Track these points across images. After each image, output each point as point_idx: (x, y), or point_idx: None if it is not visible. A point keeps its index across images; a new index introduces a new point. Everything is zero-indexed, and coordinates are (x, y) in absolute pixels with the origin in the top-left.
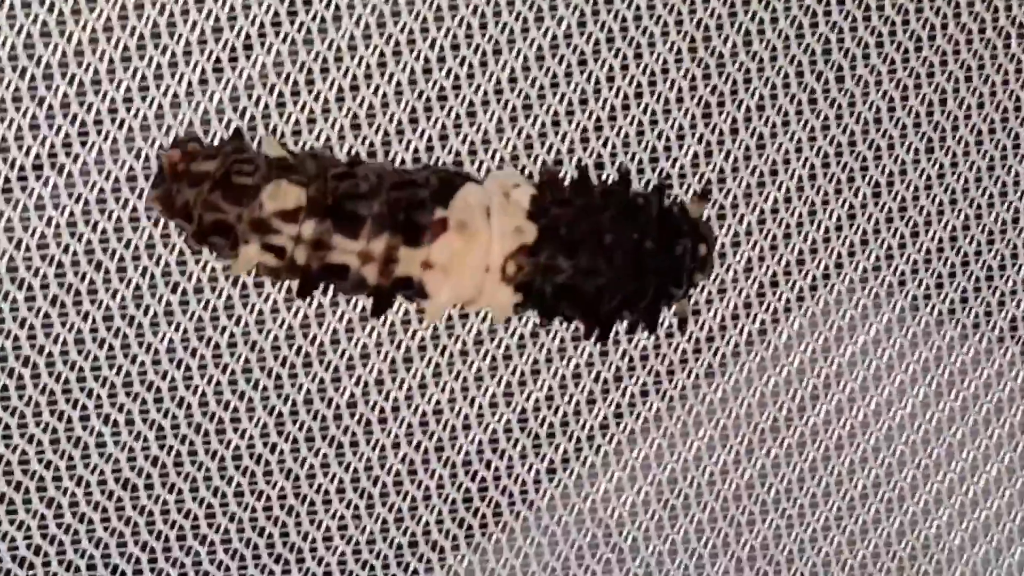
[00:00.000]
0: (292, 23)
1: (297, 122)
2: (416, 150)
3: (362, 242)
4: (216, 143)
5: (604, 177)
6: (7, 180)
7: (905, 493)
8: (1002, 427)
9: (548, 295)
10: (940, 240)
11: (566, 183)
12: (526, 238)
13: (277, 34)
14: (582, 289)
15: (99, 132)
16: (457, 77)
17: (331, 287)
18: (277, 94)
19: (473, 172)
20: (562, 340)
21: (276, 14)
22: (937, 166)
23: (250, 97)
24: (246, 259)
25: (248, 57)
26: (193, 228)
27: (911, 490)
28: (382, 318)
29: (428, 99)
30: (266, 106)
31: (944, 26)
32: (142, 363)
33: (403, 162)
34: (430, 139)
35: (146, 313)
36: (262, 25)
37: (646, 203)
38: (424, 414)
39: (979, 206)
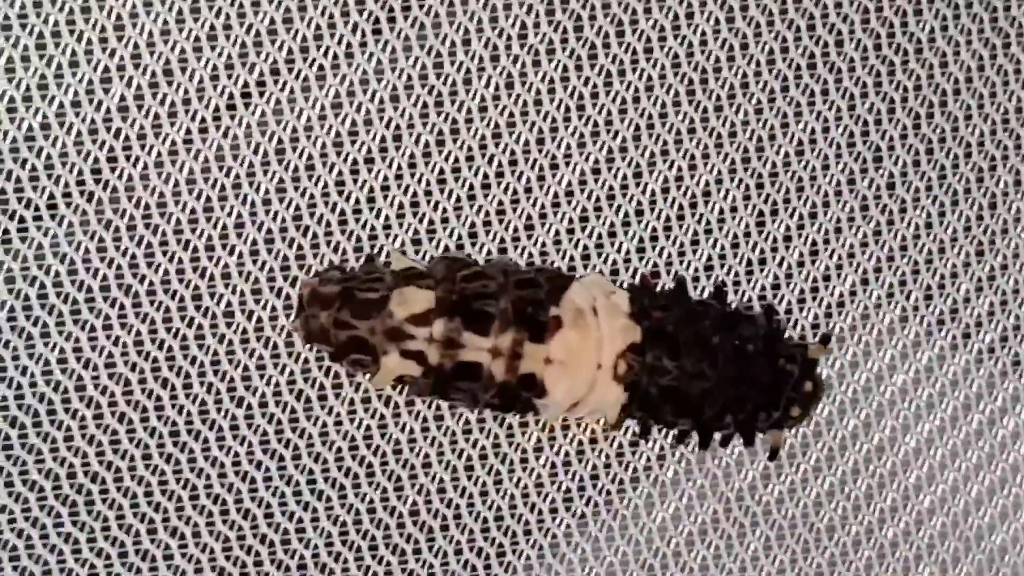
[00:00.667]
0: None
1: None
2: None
3: (492, 338)
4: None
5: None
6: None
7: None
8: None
9: (654, 395)
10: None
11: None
12: (634, 337)
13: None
14: (687, 391)
15: (97, 181)
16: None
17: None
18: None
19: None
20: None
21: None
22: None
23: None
24: (387, 369)
25: (247, 106)
26: (332, 349)
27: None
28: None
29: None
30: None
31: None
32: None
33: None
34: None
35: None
36: (261, 73)
37: (748, 317)
38: (455, 469)
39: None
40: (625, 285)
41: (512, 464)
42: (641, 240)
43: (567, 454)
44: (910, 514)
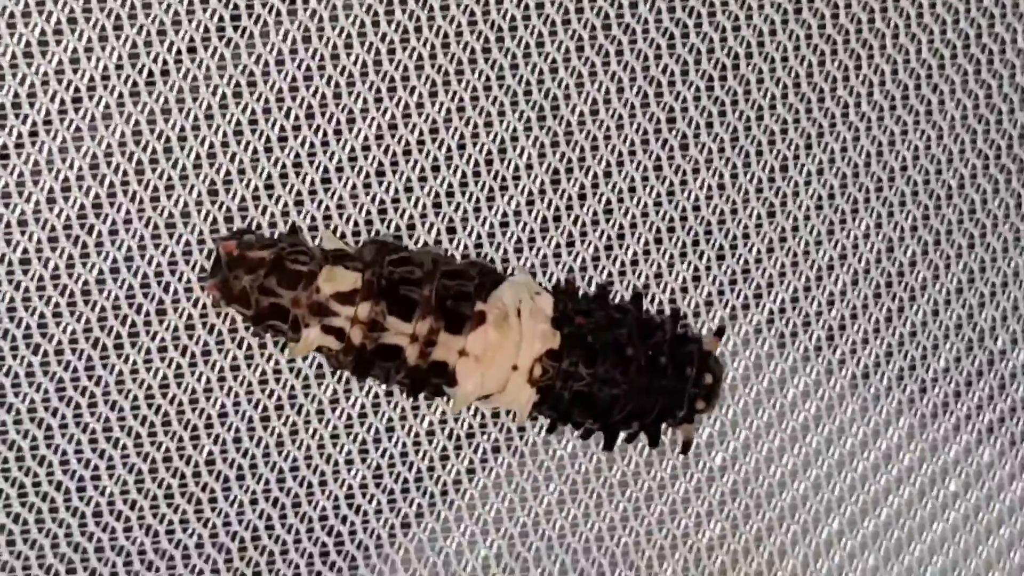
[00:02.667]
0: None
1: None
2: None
3: (413, 324)
4: (271, 236)
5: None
6: None
7: (750, 545)
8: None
9: (565, 400)
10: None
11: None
12: (553, 343)
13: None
14: (597, 397)
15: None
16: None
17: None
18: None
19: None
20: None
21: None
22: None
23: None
24: (307, 342)
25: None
26: (251, 312)
27: (755, 542)
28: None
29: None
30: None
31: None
32: (2, 422)
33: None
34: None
35: (7, 374)
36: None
37: (661, 324)
38: (281, 471)
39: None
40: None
41: (337, 465)
42: (558, 245)
43: (391, 456)
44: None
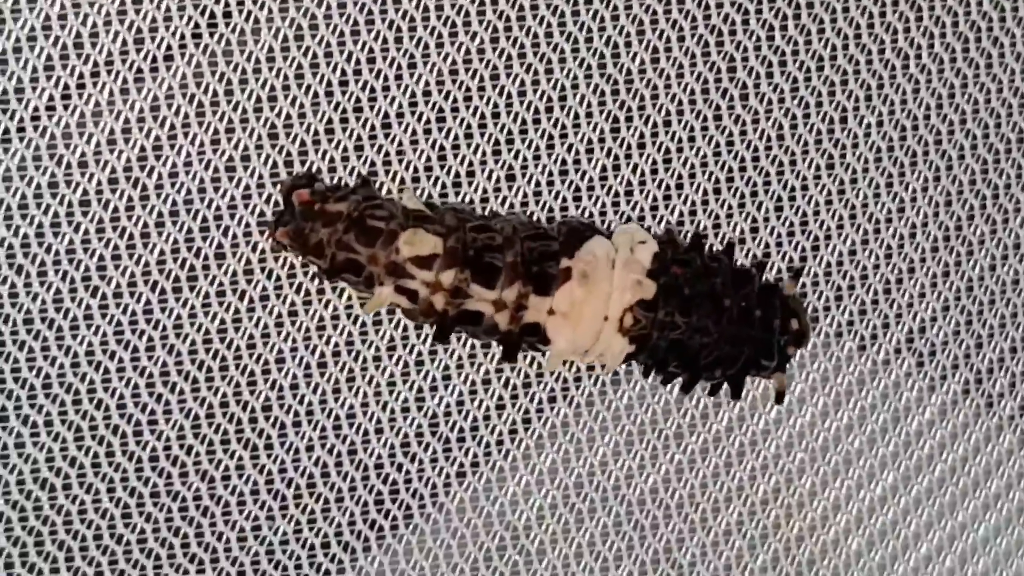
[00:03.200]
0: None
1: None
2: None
3: (497, 291)
4: (343, 186)
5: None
6: None
7: (804, 499)
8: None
9: (661, 349)
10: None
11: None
12: (645, 293)
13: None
14: (688, 345)
15: (21, 140)
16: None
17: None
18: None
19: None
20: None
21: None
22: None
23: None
24: (380, 299)
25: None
26: (325, 265)
27: (809, 496)
28: (302, 320)
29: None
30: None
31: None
32: (61, 365)
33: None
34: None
35: (65, 316)
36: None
37: (751, 274)
38: (338, 418)
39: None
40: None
41: (393, 413)
42: (617, 194)
43: (447, 404)
44: (793, 495)
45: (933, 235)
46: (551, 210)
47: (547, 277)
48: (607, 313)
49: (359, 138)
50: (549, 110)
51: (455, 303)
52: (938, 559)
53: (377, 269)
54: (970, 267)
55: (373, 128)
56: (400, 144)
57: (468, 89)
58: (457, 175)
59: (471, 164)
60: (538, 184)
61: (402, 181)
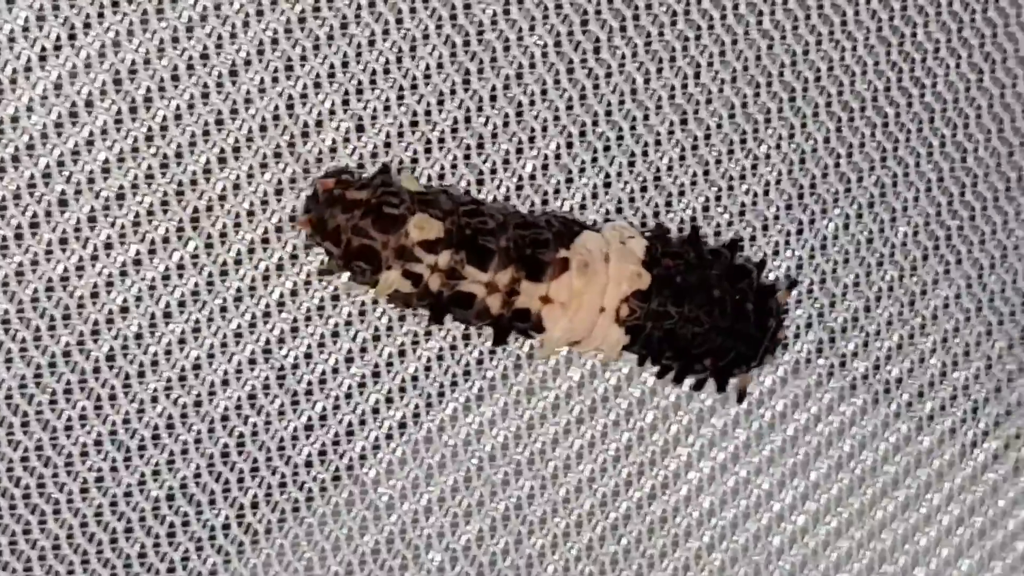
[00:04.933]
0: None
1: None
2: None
3: (490, 273)
4: (366, 176)
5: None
6: None
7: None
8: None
9: (656, 340)
10: None
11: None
12: (641, 284)
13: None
14: (681, 334)
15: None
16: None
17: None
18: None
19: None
20: (349, 351)
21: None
22: None
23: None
24: (387, 283)
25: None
26: (340, 251)
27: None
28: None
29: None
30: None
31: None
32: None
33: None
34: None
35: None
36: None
37: (749, 272)
38: (212, 421)
39: None
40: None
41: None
42: (670, 194)
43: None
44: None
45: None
46: (532, 204)
47: (540, 264)
48: (604, 304)
49: (387, 135)
50: (570, 108)
51: (450, 284)
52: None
53: (386, 253)
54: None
55: (401, 124)
56: (442, 132)
57: (453, 83)
58: (442, 167)
59: (455, 159)
60: (557, 183)
61: (400, 162)
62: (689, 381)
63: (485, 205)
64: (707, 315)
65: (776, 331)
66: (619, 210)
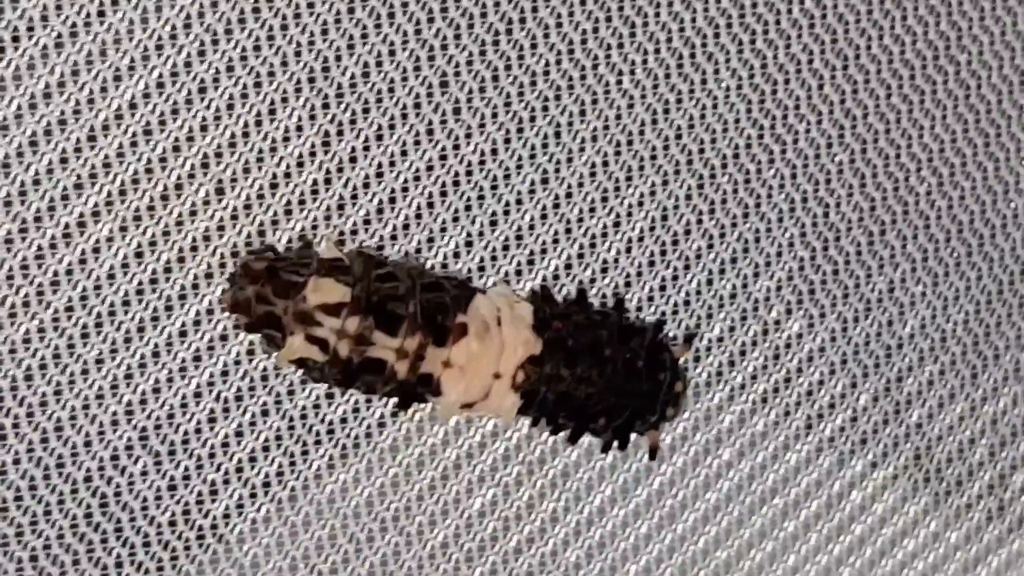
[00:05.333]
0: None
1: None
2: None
3: (399, 339)
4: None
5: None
6: None
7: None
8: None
9: (550, 403)
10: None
11: (559, 299)
12: (535, 349)
13: None
14: (574, 396)
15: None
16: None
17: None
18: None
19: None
20: (212, 411)
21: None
22: None
23: None
24: (291, 349)
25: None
26: (246, 320)
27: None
28: None
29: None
30: None
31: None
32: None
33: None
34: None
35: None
36: None
37: (640, 330)
38: (75, 482)
39: None
40: (526, 290)
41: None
42: (532, 252)
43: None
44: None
45: (650, 249)
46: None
47: (444, 329)
48: (499, 370)
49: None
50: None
51: (359, 350)
52: None
53: (286, 318)
54: (688, 282)
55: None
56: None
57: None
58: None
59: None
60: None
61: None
62: (589, 440)
63: (398, 265)
64: (599, 375)
65: (672, 385)
66: (481, 268)
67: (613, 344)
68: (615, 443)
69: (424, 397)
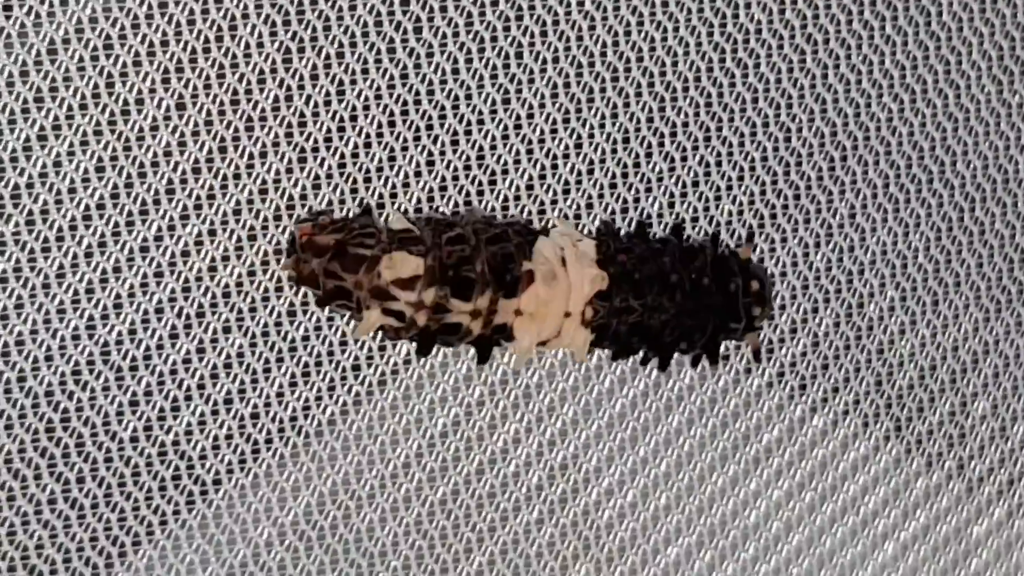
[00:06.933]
0: None
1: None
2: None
3: (473, 302)
4: (344, 217)
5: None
6: None
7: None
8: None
9: (623, 334)
10: None
11: (622, 234)
12: (601, 285)
13: None
14: (649, 325)
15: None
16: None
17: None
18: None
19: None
20: (247, 340)
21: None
22: None
23: None
24: (368, 323)
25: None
26: (320, 293)
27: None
28: None
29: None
30: None
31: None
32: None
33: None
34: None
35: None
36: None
37: (701, 249)
38: (107, 414)
39: None
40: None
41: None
42: (493, 172)
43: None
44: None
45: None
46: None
47: (514, 281)
48: (569, 308)
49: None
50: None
51: (436, 319)
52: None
53: (362, 294)
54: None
55: (380, 161)
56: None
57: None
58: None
59: (456, 169)
60: (518, 188)
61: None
62: (549, 361)
63: (462, 223)
64: (670, 301)
65: (747, 287)
66: (443, 189)
67: (677, 269)
68: (707, 358)
69: (499, 342)
